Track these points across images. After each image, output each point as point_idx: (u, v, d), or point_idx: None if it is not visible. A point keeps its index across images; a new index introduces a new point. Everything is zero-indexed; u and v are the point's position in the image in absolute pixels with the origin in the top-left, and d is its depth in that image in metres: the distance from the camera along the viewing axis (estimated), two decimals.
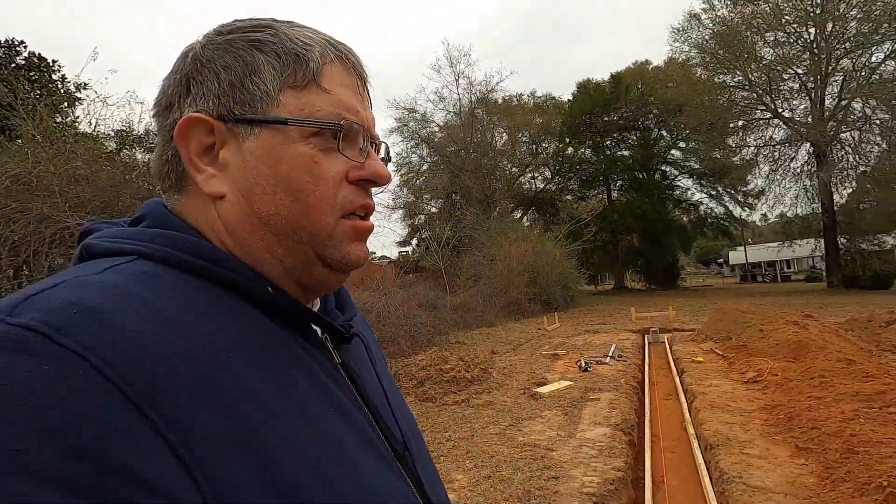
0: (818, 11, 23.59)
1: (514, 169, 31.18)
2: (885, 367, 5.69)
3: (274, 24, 0.48)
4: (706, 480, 3.61)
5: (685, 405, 5.50)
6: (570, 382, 6.35)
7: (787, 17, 24.45)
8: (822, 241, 25.99)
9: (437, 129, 29.39)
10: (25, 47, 13.87)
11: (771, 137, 27.17)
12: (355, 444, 0.44)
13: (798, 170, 26.23)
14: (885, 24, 22.25)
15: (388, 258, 25.58)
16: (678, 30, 27.27)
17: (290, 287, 0.49)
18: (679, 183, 34.37)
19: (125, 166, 8.03)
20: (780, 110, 25.95)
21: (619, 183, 34.06)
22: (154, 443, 0.31)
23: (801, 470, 3.41)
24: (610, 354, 7.99)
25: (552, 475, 3.53)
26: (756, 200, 30.43)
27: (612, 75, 32.75)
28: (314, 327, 0.48)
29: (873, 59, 23.77)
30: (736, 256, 52.80)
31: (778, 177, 26.97)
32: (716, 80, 26.62)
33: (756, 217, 38.59)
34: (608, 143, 33.49)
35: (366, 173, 0.49)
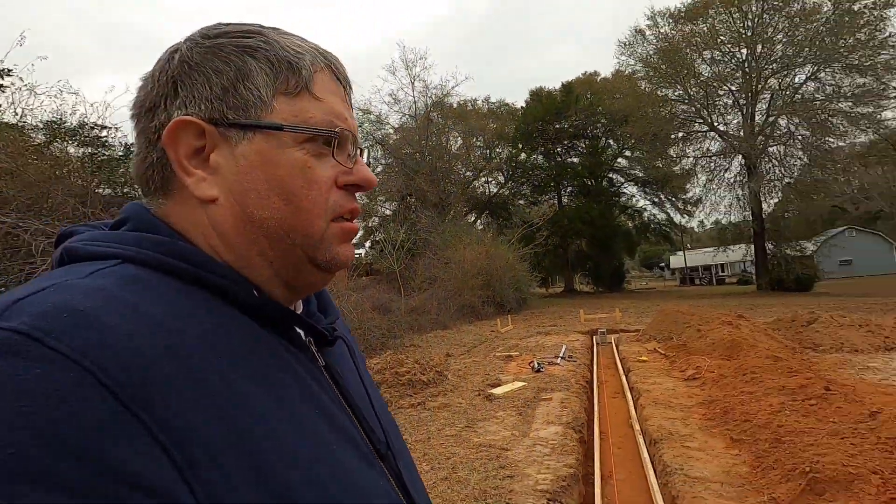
0: (749, 34, 25.49)
1: (468, 173, 31.52)
2: (806, 363, 6.20)
3: (263, 30, 0.49)
4: (650, 473, 3.80)
5: (631, 403, 5.76)
6: (524, 383, 6.49)
7: (722, 38, 26.25)
8: (752, 246, 27.98)
9: (391, 131, 29.28)
10: None
11: (708, 149, 29.06)
12: (340, 445, 0.45)
13: (731, 180, 28.12)
14: (807, 49, 24.34)
15: None
16: (625, 44, 28.68)
17: (278, 289, 0.49)
18: (625, 190, 36.05)
19: (55, 161, 7.48)
20: (715, 124, 27.77)
21: (570, 189, 35.20)
22: (148, 444, 0.31)
23: (735, 460, 3.66)
24: (561, 355, 8.24)
25: (507, 474, 3.60)
26: (694, 208, 32.45)
27: (563, 84, 33.86)
28: (298, 330, 0.49)
29: (796, 79, 25.97)
30: (676, 260, 55.82)
31: (714, 186, 28.83)
32: (659, 93, 28.14)
33: (694, 223, 41.03)
34: (559, 149, 34.58)
35: (355, 178, 0.50)
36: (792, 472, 3.13)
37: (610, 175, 35.44)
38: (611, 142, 34.38)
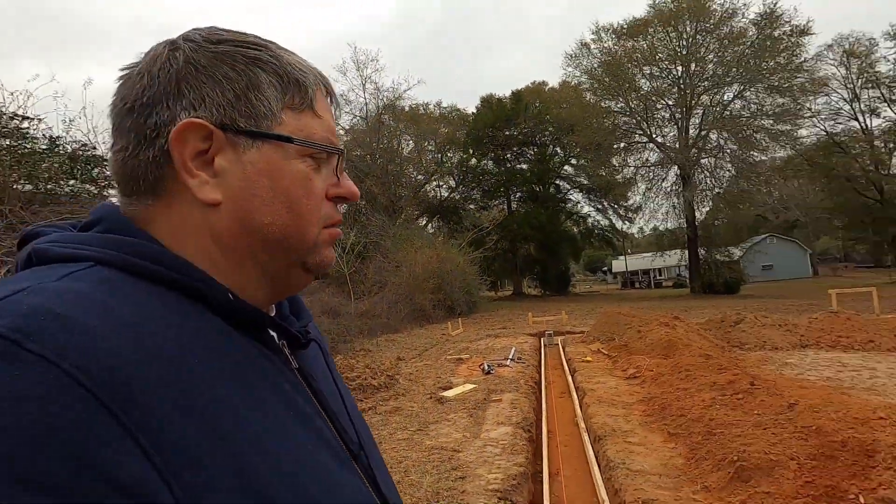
0: (684, 52, 27.28)
1: (419, 176, 31.61)
2: (734, 361, 6.68)
3: (268, 44, 0.51)
4: (595, 469, 3.97)
5: (577, 402, 5.97)
6: (475, 385, 6.58)
7: (660, 55, 27.94)
8: (686, 252, 29.80)
9: (342, 132, 28.83)
10: None
11: (647, 159, 30.80)
12: (316, 446, 0.46)
13: (668, 189, 29.91)
14: (734, 69, 26.36)
15: None
16: (571, 56, 29.88)
17: (261, 292, 0.50)
18: (571, 196, 37.45)
19: None
20: (654, 136, 29.45)
21: (519, 194, 36.07)
22: (128, 447, 0.31)
23: (672, 453, 3.89)
24: (510, 357, 8.41)
25: (459, 475, 3.65)
26: (635, 215, 34.25)
27: (513, 92, 34.71)
28: (271, 333, 0.50)
29: (725, 97, 28.07)
30: (618, 265, 58.45)
31: (652, 194, 30.57)
32: (602, 104, 29.51)
33: (635, 230, 43.31)
34: (509, 156, 35.38)
35: (343, 191, 0.53)
36: (722, 462, 3.37)
37: (557, 182, 36.66)
38: (558, 150, 35.60)
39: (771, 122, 26.79)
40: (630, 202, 33.98)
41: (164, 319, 0.39)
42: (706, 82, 27.55)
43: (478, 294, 22.11)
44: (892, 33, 29.96)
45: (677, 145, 28.22)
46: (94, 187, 10.42)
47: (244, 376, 0.42)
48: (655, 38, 27.69)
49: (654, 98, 28.63)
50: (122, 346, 0.34)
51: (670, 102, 28.74)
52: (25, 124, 8.19)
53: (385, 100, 27.76)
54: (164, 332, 0.38)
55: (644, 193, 30.98)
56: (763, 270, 43.96)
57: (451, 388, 6.53)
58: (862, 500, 2.66)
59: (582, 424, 5.07)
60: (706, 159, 28.46)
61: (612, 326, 10.03)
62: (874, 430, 3.23)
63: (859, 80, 31.56)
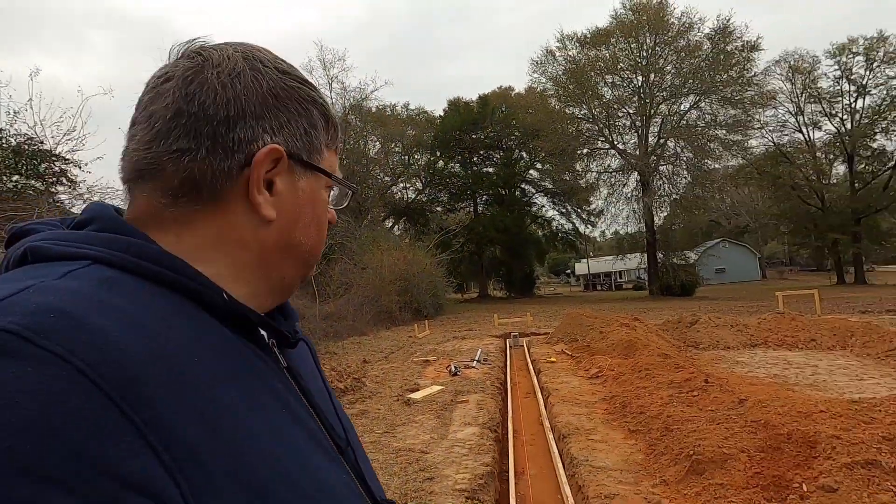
0: (644, 63, 28.31)
1: (386, 178, 31.44)
2: (690, 360, 6.98)
3: (309, 81, 0.56)
4: (559, 466, 4.07)
5: (541, 401, 6.10)
6: (442, 387, 6.61)
7: (621, 65, 28.89)
8: (645, 255, 30.86)
9: None
10: None
11: (609, 165, 31.76)
12: (307, 443, 0.48)
13: (629, 194, 30.92)
14: (690, 80, 27.56)
15: None
16: (537, 62, 30.45)
17: (271, 298, 0.54)
18: (536, 200, 38.12)
19: None
20: (615, 143, 30.38)
21: (485, 197, 36.43)
22: (137, 443, 0.32)
23: (632, 449, 4.04)
24: (477, 359, 8.49)
25: (427, 476, 3.66)
26: (597, 219, 35.28)
27: (479, 96, 35.09)
28: (262, 332, 0.51)
29: (682, 107, 29.31)
30: (581, 267, 59.82)
31: (614, 199, 31.54)
32: (567, 111, 30.24)
33: (597, 233, 44.54)
34: (475, 159, 35.70)
35: (332, 217, 0.60)
36: (679, 456, 3.52)
37: (522, 185, 37.25)
38: (524, 154, 36.17)
39: (724, 132, 28.19)
40: (592, 206, 35.01)
41: (167, 319, 0.40)
42: (664, 92, 28.70)
43: (444, 296, 22.18)
44: (832, 52, 32.13)
45: (637, 152, 29.22)
46: (40, 183, 9.84)
47: (242, 377, 0.44)
48: (617, 49, 28.63)
49: (615, 106, 29.57)
50: (130, 344, 0.35)
51: (631, 111, 29.75)
52: None
53: (351, 100, 27.56)
54: (168, 332, 0.39)
55: (606, 198, 32.00)
56: (716, 273, 46.05)
57: (418, 389, 6.54)
58: (805, 487, 2.84)
59: (547, 423, 5.17)
60: (664, 166, 29.61)
61: (575, 328, 10.27)
62: (816, 423, 3.45)
63: (803, 95, 33.63)
